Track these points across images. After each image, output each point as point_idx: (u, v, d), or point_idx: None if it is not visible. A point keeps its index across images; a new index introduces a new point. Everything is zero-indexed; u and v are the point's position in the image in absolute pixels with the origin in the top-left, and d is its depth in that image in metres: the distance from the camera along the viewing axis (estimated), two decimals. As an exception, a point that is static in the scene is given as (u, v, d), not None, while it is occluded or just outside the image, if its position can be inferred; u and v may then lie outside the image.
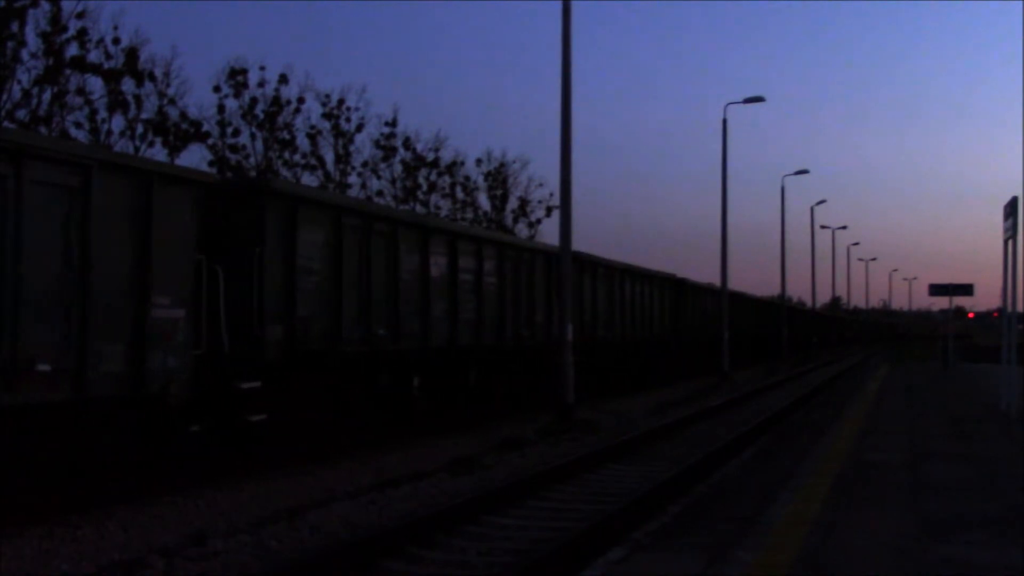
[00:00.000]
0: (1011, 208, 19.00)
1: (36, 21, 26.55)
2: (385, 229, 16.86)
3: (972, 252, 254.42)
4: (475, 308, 20.09)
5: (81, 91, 27.78)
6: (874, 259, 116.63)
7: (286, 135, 35.74)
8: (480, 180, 46.09)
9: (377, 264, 16.55)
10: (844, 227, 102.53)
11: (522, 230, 46.59)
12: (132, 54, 28.58)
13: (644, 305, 32.67)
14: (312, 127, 37.01)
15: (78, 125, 27.26)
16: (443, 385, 19.12)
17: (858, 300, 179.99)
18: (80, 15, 27.34)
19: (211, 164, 32.23)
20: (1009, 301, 20.38)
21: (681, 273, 39.22)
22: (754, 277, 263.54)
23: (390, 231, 16.97)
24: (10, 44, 26.05)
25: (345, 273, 15.59)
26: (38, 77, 26.60)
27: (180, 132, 30.72)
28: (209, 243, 12.85)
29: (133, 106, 29.11)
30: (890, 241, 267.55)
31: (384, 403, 17.07)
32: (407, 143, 41.17)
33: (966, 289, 40.29)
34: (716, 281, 42.29)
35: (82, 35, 27.40)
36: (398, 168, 41.26)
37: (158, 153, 29.38)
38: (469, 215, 44.94)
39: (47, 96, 26.97)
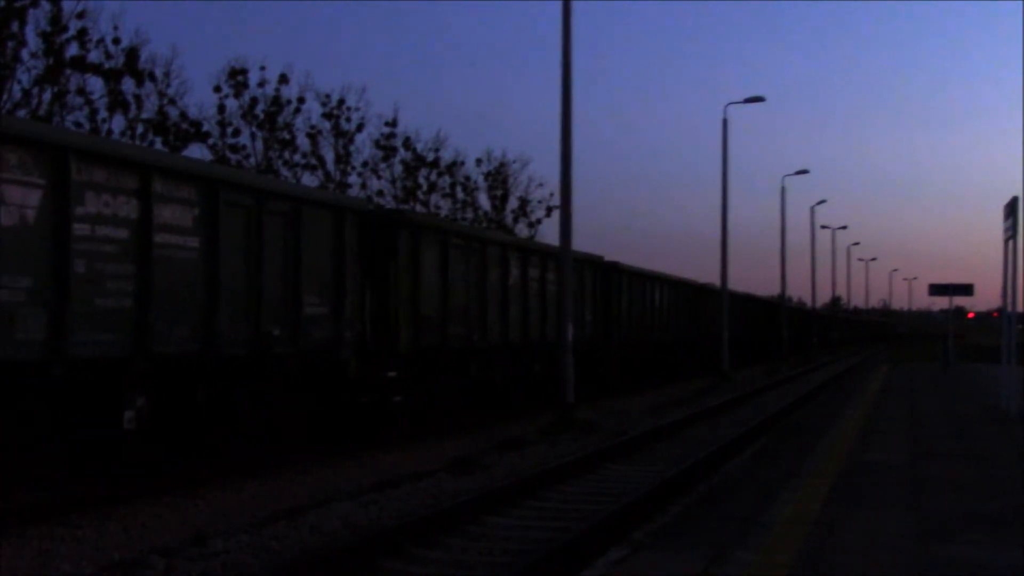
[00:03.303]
0: (1011, 208, 19.01)
1: (36, 21, 26.54)
2: None
3: (972, 252, 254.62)
4: (135, 290, 11.45)
5: (81, 91, 27.76)
6: (874, 259, 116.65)
7: (286, 135, 35.71)
8: (480, 180, 46.07)
9: None
10: (844, 227, 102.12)
11: (522, 230, 46.56)
12: (132, 54, 28.55)
13: (549, 296, 23.48)
14: (312, 127, 37.00)
15: (78, 125, 27.23)
16: (28, 432, 10.74)
17: (858, 300, 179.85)
18: (80, 15, 27.29)
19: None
20: (1009, 301, 20.39)
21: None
22: (754, 277, 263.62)
23: None
24: (10, 44, 26.04)
25: None
26: (38, 77, 26.59)
27: (180, 132, 30.70)
28: None
29: (133, 106, 29.07)
30: (890, 241, 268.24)
31: None
32: (407, 143, 41.14)
33: (966, 289, 40.30)
34: (714, 279, 42.21)
35: (82, 35, 27.36)
36: (398, 168, 41.22)
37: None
38: (469, 215, 44.93)
39: (47, 96, 26.99)
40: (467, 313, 19.61)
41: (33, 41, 26.50)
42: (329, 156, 37.93)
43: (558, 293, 23.20)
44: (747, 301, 53.06)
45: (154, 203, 11.74)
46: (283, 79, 35.06)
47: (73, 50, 27.28)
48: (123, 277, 11.40)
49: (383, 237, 16.87)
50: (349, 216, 15.55)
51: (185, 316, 12.28)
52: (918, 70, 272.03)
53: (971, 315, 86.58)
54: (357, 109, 38.31)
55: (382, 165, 40.42)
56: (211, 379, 12.87)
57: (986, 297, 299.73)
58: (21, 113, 25.86)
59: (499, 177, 46.76)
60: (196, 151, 31.09)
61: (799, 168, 64.22)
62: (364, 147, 39.82)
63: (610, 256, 29.34)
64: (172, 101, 30.42)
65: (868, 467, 12.50)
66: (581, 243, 27.38)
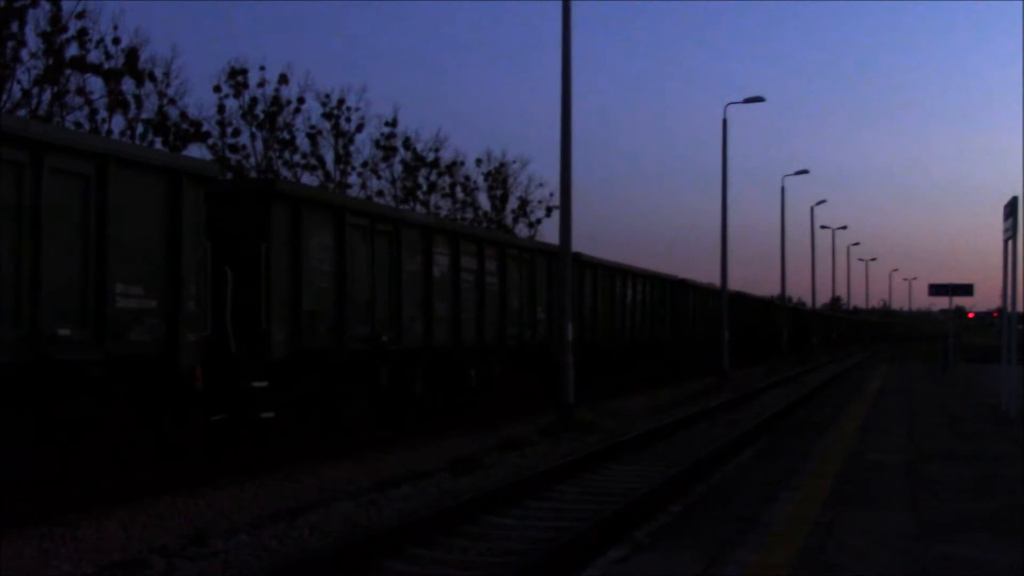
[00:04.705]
0: (1011, 208, 19.02)
1: (36, 21, 26.55)
2: None
3: (972, 252, 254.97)
4: None
5: (81, 91, 27.76)
6: (874, 259, 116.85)
7: (286, 135, 35.72)
8: (480, 180, 46.11)
9: None
10: (844, 227, 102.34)
11: (522, 230, 46.60)
12: (132, 54, 28.55)
13: (490, 290, 20.43)
14: (312, 127, 37.01)
15: (78, 125, 27.23)
16: None
17: (858, 300, 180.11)
18: (80, 15, 27.30)
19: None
20: (1009, 301, 20.39)
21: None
22: (754, 277, 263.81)
23: None
24: (10, 44, 26.04)
25: None
26: (38, 77, 26.59)
27: (180, 132, 30.70)
28: None
29: (133, 106, 29.08)
30: (890, 241, 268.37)
31: None
32: (407, 143, 41.16)
33: (966, 289, 40.31)
34: (714, 279, 42.19)
35: (82, 35, 27.37)
36: (398, 168, 41.24)
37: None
38: (469, 215, 44.95)
39: (47, 96, 27.00)
40: (373, 309, 16.09)
41: (33, 41, 26.52)
42: (329, 156, 37.96)
43: (501, 287, 20.81)
44: (741, 300, 52.57)
45: None
46: (283, 79, 35.07)
47: (73, 50, 27.30)
48: None
49: (250, 213, 13.61)
50: (187, 182, 11.88)
51: None
52: (918, 70, 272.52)
53: (971, 315, 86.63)
54: (357, 109, 38.34)
55: (382, 165, 40.45)
56: None
57: (986, 297, 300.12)
58: (21, 113, 25.87)
59: (499, 177, 46.80)
60: (196, 151, 31.09)
61: (799, 168, 64.32)
62: (364, 147, 39.87)
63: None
64: (172, 101, 30.44)
65: (868, 467, 12.50)
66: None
